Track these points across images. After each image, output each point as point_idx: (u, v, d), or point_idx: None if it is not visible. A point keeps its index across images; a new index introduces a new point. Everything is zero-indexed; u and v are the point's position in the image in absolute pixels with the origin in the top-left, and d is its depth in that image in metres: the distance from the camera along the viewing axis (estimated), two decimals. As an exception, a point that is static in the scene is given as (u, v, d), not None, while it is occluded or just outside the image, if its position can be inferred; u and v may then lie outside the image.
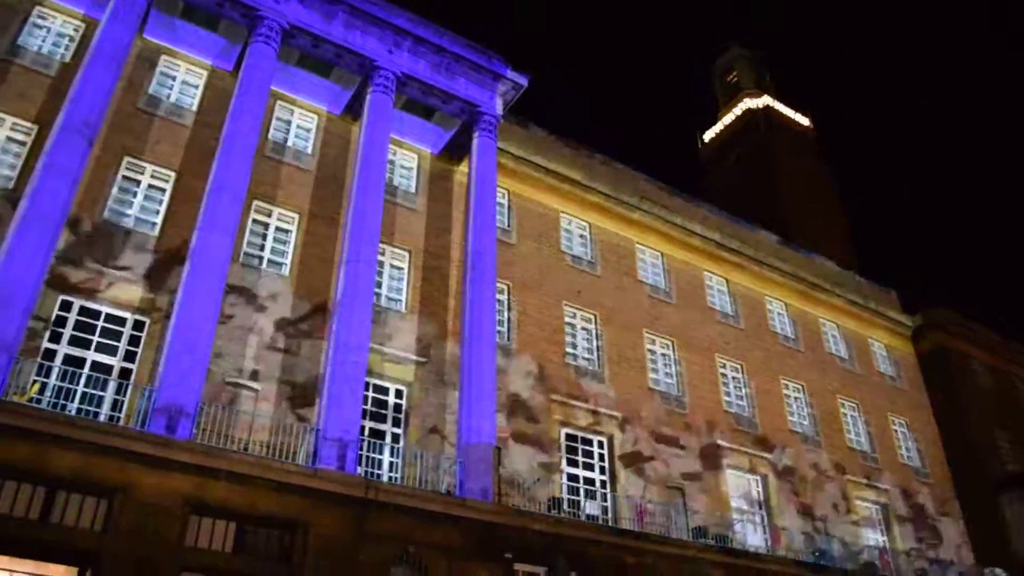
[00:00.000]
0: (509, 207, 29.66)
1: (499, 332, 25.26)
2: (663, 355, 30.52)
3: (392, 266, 25.51)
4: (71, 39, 23.76)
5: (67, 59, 23.09)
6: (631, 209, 32.82)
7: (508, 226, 29.01)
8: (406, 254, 25.98)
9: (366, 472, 20.82)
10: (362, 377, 20.56)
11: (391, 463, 21.96)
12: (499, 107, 28.12)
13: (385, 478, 21.38)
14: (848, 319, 39.49)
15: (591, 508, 24.27)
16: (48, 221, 18.11)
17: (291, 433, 19.69)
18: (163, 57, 24.96)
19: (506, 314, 26.89)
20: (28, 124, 21.46)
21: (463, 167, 28.53)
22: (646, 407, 28.25)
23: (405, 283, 25.41)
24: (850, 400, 36.18)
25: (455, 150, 28.57)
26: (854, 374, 37.48)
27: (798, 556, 27.29)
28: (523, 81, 28.52)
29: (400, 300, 25.01)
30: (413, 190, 27.60)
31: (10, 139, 21.20)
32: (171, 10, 24.24)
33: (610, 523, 24.08)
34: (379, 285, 24.38)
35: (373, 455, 21.69)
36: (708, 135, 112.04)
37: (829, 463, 32.82)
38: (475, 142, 27.21)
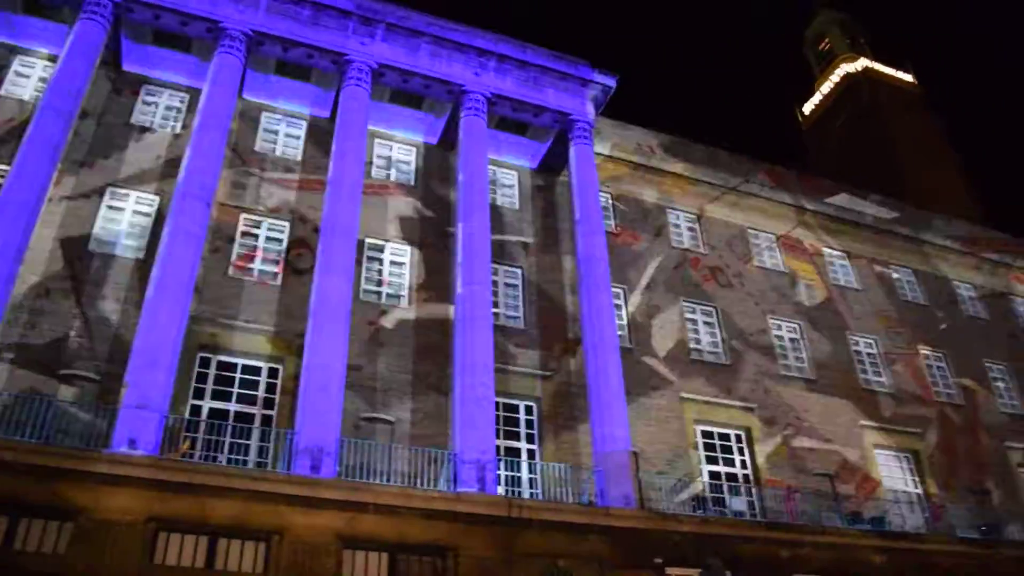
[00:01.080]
0: (614, 210, 29.48)
1: (620, 336, 25.07)
2: (792, 339, 29.61)
3: (506, 284, 25.73)
4: (178, 110, 25.10)
5: (178, 130, 24.40)
6: (740, 195, 32.08)
7: (616, 229, 28.82)
8: (518, 271, 26.15)
9: (507, 491, 21.03)
10: (491, 397, 20.76)
11: (530, 479, 22.06)
12: (591, 112, 28.06)
13: (526, 495, 21.50)
14: (984, 277, 37.41)
15: (737, 504, 23.71)
16: (179, 284, 19.21)
17: (430, 460, 20.03)
18: (263, 113, 26.03)
19: (625, 317, 26.66)
20: (150, 196, 22.75)
21: (563, 176, 28.56)
22: (782, 394, 27.45)
23: (521, 299, 25.57)
24: (997, 364, 34.16)
25: (553, 161, 28.64)
26: (996, 335, 35.40)
27: (961, 533, 25.88)
28: (611, 82, 28.38)
29: (518, 316, 25.18)
30: (517, 206, 27.79)
31: (136, 212, 22.51)
32: (265, 68, 25.36)
33: (759, 518, 23.48)
34: (496, 304, 24.60)
35: (512, 473, 21.87)
36: (807, 107, 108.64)
37: (984, 431, 31.05)
38: (572, 150, 27.22)
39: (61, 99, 21.07)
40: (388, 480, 19.14)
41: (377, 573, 17.80)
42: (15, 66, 24.20)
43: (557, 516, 19.51)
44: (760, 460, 25.40)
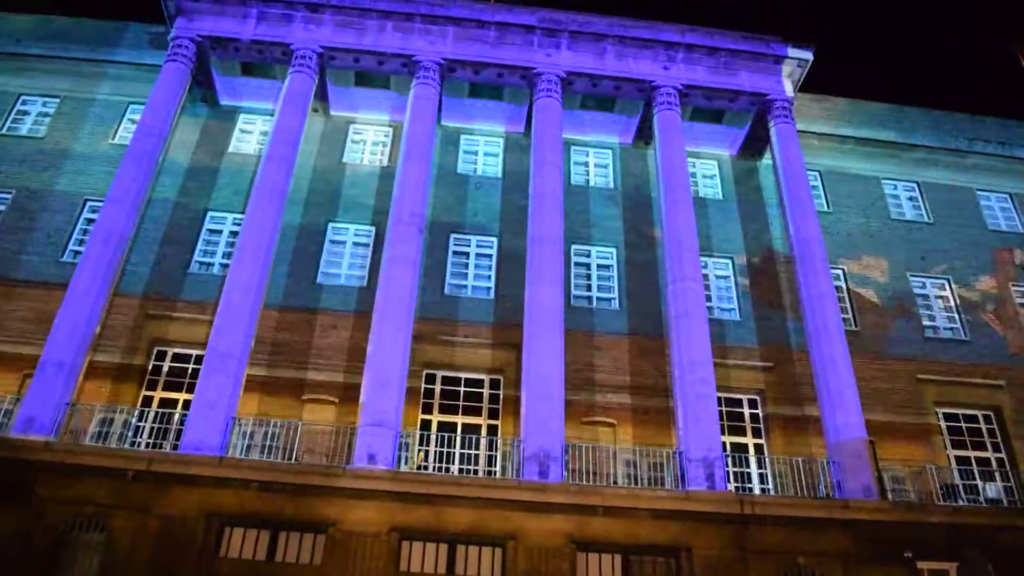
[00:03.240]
0: (824, 188, 28.04)
1: (844, 319, 23.75)
2: (1044, 306, 26.76)
3: (717, 276, 25.12)
4: (384, 144, 26.62)
5: (385, 163, 25.90)
6: (963, 155, 29.53)
7: (828, 208, 27.39)
8: (728, 262, 25.47)
9: (737, 487, 20.46)
10: (713, 393, 20.25)
11: (760, 475, 21.35)
12: (789, 89, 26.88)
13: (756, 491, 20.84)
14: None
15: (992, 491, 21.69)
16: (401, 307, 20.30)
17: (656, 459, 19.86)
18: (463, 136, 27.06)
19: (848, 299, 25.24)
20: (367, 227, 24.26)
21: (766, 159, 27.55)
22: (1037, 367, 24.87)
23: (734, 291, 24.87)
24: None
25: (754, 145, 27.70)
26: None
27: None
28: (808, 55, 27.04)
29: (733, 308, 24.48)
30: (721, 196, 27.11)
31: (356, 243, 24.06)
32: (459, 93, 26.38)
33: (1018, 504, 21.33)
34: (709, 299, 24.07)
35: (740, 469, 21.26)
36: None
37: None
38: (773, 131, 26.17)
39: (281, 147, 23.00)
40: (615, 482, 19.18)
41: (611, 574, 17.84)
42: (240, 124, 26.63)
43: (792, 511, 18.70)
44: (1015, 441, 23.14)
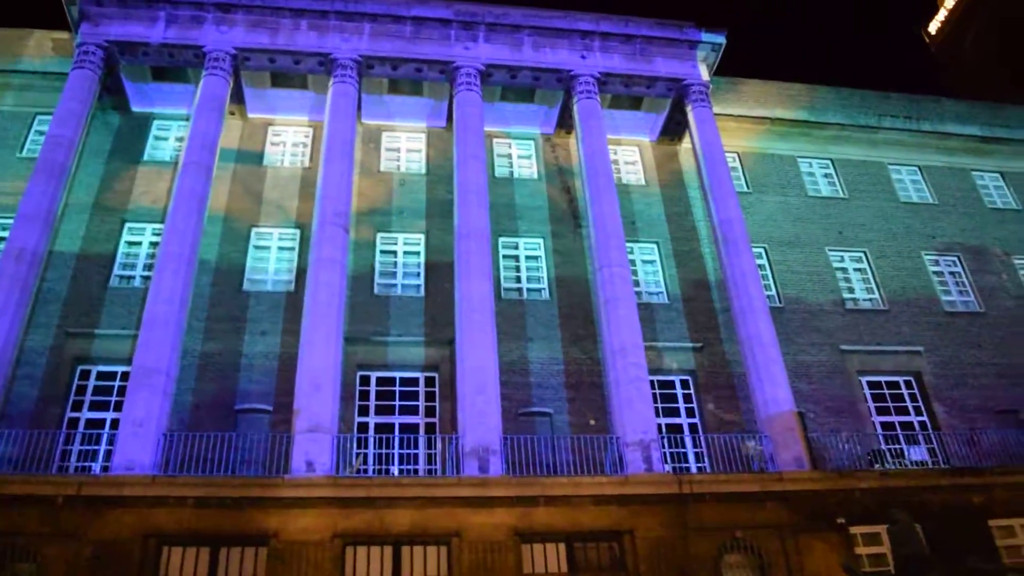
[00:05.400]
0: (743, 168, 28.67)
1: (768, 296, 24.37)
2: (952, 272, 27.85)
3: (644, 261, 25.49)
4: (304, 145, 26.25)
5: (307, 163, 25.53)
6: (873, 131, 30.51)
7: (748, 188, 28.02)
8: (654, 246, 25.87)
9: (674, 468, 20.90)
10: (645, 377, 20.60)
11: (696, 453, 21.83)
12: (704, 73, 27.38)
13: (694, 469, 21.30)
14: None
15: (916, 454, 22.60)
16: (331, 309, 20.10)
17: (593, 446, 20.13)
18: (384, 134, 26.86)
19: (771, 276, 25.91)
20: (291, 231, 23.93)
21: (686, 143, 28.03)
22: (946, 333, 25.91)
23: (661, 274, 25.28)
24: None
25: (673, 129, 28.13)
26: None
27: None
28: (721, 39, 27.57)
29: (661, 292, 24.89)
30: (643, 182, 27.49)
31: (281, 248, 23.73)
32: (379, 90, 26.17)
33: (942, 465, 22.26)
34: (637, 283, 24.43)
35: (677, 450, 21.71)
36: (932, 27, 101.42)
37: None
38: (690, 116, 26.63)
39: (199, 153, 22.49)
40: (555, 472, 19.39)
41: (556, 563, 18.04)
42: (154, 131, 25.93)
43: (729, 487, 19.19)
44: (933, 403, 24.14)
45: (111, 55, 24.54)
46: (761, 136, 29.53)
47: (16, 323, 19.49)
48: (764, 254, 26.31)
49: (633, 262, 24.90)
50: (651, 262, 25.60)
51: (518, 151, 27.54)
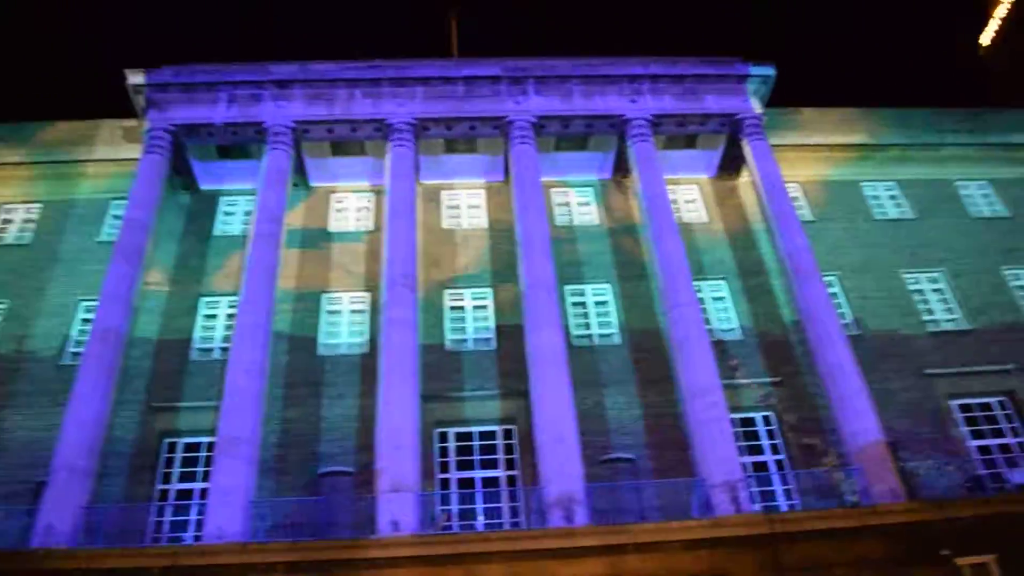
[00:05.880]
0: (806, 197, 28.33)
1: (844, 325, 23.78)
2: (1033, 287, 26.84)
3: (713, 298, 25.23)
4: (367, 209, 26.82)
5: (371, 227, 26.05)
6: (936, 148, 29.92)
7: (812, 217, 27.63)
8: (722, 283, 25.61)
9: (764, 507, 20.34)
10: (725, 416, 20.21)
11: (785, 491, 21.26)
12: (756, 106, 27.26)
13: (784, 507, 20.73)
14: None
15: (1019, 477, 21.62)
16: (405, 368, 20.31)
17: (678, 490, 19.75)
18: (443, 192, 27.30)
19: (846, 304, 25.35)
20: (361, 294, 24.35)
21: (745, 177, 27.85)
22: (1039, 348, 24.92)
23: (732, 311, 24.95)
24: None
25: (731, 164, 27.99)
26: None
27: None
28: (770, 71, 27.46)
29: (734, 328, 24.53)
30: (705, 219, 27.33)
31: (352, 311, 24.13)
32: (435, 150, 26.67)
33: (1048, 487, 21.19)
34: (708, 321, 24.12)
35: (764, 488, 21.18)
36: (985, 38, 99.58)
37: None
38: (747, 149, 26.49)
39: (267, 225, 23.14)
40: (642, 518, 19.05)
41: (651, 612, 17.63)
42: (222, 207, 26.78)
43: (822, 524, 18.53)
44: (1034, 424, 23.15)
45: (178, 138, 25.52)
46: (821, 164, 29.21)
47: (106, 402, 20.09)
48: (836, 282, 25.80)
49: (702, 300, 24.64)
50: (720, 299, 25.31)
51: (577, 199, 27.69)
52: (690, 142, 27.72)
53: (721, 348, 23.20)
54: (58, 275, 24.77)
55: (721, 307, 25.12)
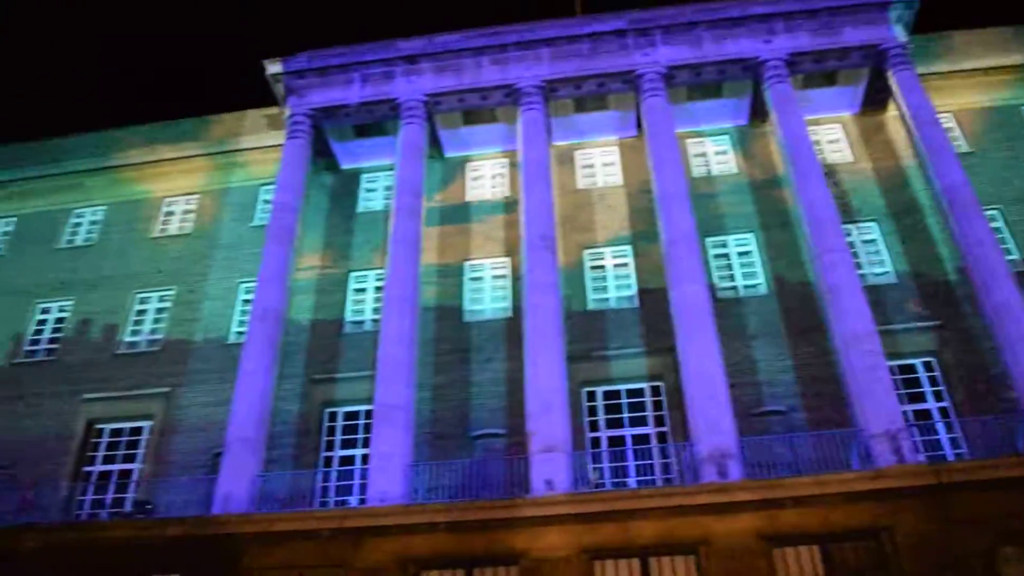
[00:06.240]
0: (960, 128, 26.50)
1: (1011, 261, 22.22)
2: None
3: (864, 241, 24.11)
4: (502, 176, 27.11)
5: (507, 193, 26.34)
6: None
7: (969, 148, 25.78)
8: (872, 225, 24.42)
9: (928, 457, 19.43)
10: (883, 363, 19.34)
11: (951, 439, 20.24)
12: (901, 34, 25.54)
13: (951, 457, 19.74)
14: None
15: None
16: (550, 330, 20.57)
17: (835, 442, 19.15)
18: (576, 152, 27.22)
19: (1010, 240, 23.63)
20: (502, 259, 24.75)
21: (891, 111, 26.35)
22: None
23: (885, 254, 23.76)
24: None
25: (875, 99, 26.48)
26: None
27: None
28: (912, -5, 25.68)
29: (888, 272, 23.38)
30: (851, 158, 26.07)
31: (494, 277, 24.55)
32: (565, 111, 26.62)
33: None
34: (860, 266, 23.12)
35: (929, 437, 20.23)
36: None
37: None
38: (892, 81, 24.98)
39: (407, 199, 23.83)
40: (797, 471, 18.62)
41: (812, 566, 17.23)
42: (364, 184, 27.71)
43: (994, 473, 17.35)
44: None
45: (317, 121, 26.54)
46: (976, 90, 27.18)
47: (270, 377, 21.41)
48: (999, 216, 24.11)
49: (852, 244, 23.63)
50: (871, 242, 24.16)
51: (713, 148, 27.00)
52: (830, 79, 26.42)
53: (875, 294, 22.16)
54: (218, 261, 26.39)
55: (873, 250, 23.97)
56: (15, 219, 29.73)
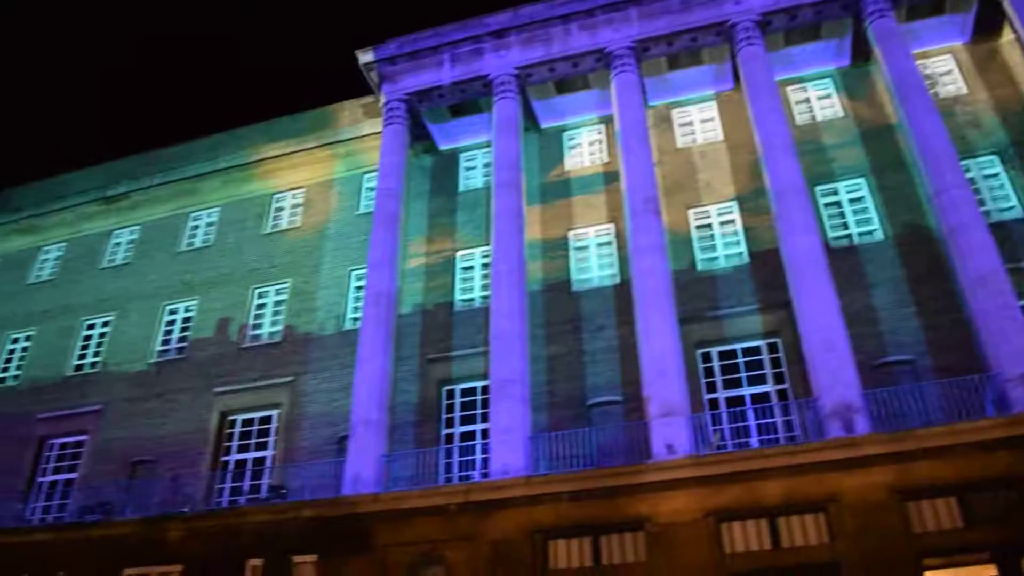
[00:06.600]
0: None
1: None
2: None
3: (985, 176, 22.77)
4: (599, 142, 26.84)
5: (606, 159, 26.10)
6: None
7: (1099, 66, 24.03)
8: (993, 158, 23.04)
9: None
10: (1015, 303, 18.12)
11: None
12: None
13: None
14: None
15: None
16: (660, 293, 20.39)
17: (967, 390, 18.28)
18: (673, 112, 26.68)
19: None
20: (606, 226, 24.58)
21: (1007, 35, 24.71)
22: None
23: (1010, 187, 22.33)
24: None
25: (988, 24, 24.82)
26: None
27: None
28: None
29: (1014, 207, 21.90)
30: (965, 90, 24.63)
31: (600, 244, 24.43)
32: (657, 70, 26.16)
33: None
34: (982, 203, 21.91)
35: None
36: None
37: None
38: (1006, 3, 23.42)
39: (506, 174, 23.94)
40: (927, 421, 17.91)
41: (950, 517, 16.57)
42: (463, 163, 27.94)
43: None
44: None
45: (412, 105, 26.91)
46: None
47: (387, 359, 22.01)
48: None
49: (973, 181, 22.41)
50: (994, 176, 22.83)
51: (816, 93, 25.99)
52: (936, 8, 24.92)
53: (1002, 230, 20.96)
54: (328, 251, 27.15)
55: (996, 184, 22.66)
56: (139, 227, 31.36)
